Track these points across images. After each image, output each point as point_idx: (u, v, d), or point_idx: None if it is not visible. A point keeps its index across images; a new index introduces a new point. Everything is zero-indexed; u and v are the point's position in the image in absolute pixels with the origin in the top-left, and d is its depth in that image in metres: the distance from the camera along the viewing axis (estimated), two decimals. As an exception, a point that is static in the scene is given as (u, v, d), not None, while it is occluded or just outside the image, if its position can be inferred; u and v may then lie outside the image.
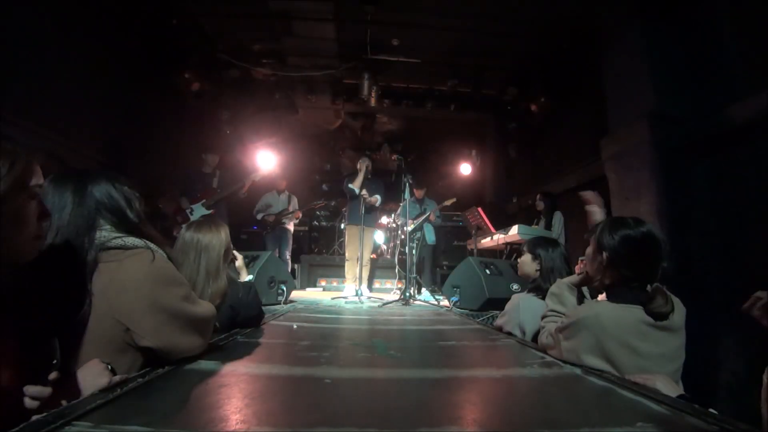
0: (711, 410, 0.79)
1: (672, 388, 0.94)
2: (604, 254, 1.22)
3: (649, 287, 1.17)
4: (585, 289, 1.48)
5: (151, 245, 1.01)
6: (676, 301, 1.17)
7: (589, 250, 1.31)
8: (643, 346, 1.09)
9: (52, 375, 0.70)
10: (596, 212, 1.70)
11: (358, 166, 4.34)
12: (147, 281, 0.95)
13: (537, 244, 1.93)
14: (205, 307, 1.14)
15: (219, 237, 1.62)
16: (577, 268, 1.94)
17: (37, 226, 0.76)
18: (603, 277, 1.26)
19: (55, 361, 0.71)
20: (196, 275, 1.54)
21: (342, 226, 6.10)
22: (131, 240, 0.98)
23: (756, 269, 1.35)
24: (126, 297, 0.91)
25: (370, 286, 4.69)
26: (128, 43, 4.23)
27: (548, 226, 4.16)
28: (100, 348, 0.88)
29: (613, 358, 1.09)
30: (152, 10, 4.26)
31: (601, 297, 1.37)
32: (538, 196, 4.39)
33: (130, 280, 0.93)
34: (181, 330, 1.01)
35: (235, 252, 1.79)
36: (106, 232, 0.96)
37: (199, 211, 4.12)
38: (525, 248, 1.97)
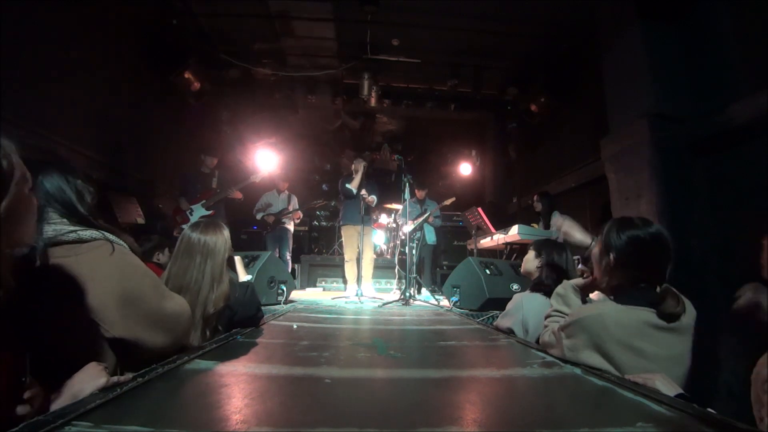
0: (710, 410, 0.79)
1: (670, 387, 0.94)
2: (611, 255, 1.20)
3: (658, 288, 1.15)
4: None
5: (110, 236, 0.99)
6: (687, 303, 1.15)
7: (595, 251, 1.29)
8: (648, 347, 1.07)
9: (27, 393, 0.69)
10: (572, 232, 1.65)
11: (354, 167, 4.34)
12: (110, 273, 0.93)
13: (542, 244, 1.97)
14: (176, 301, 1.12)
15: (223, 239, 1.63)
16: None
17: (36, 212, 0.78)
18: (610, 278, 1.23)
19: (24, 379, 0.70)
20: (201, 279, 1.54)
21: (341, 226, 6.11)
22: (88, 233, 0.95)
23: (756, 269, 1.35)
24: (91, 290, 0.90)
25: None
26: (128, 43, 4.23)
27: (547, 227, 4.15)
28: None
29: (614, 358, 1.08)
30: (152, 10, 4.26)
31: (593, 295, 1.37)
32: (535, 197, 4.38)
33: (93, 272, 0.91)
34: (149, 320, 1.00)
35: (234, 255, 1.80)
36: (56, 225, 0.94)
37: (198, 211, 4.12)
38: (531, 246, 2.01)
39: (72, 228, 0.94)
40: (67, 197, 0.99)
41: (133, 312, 0.96)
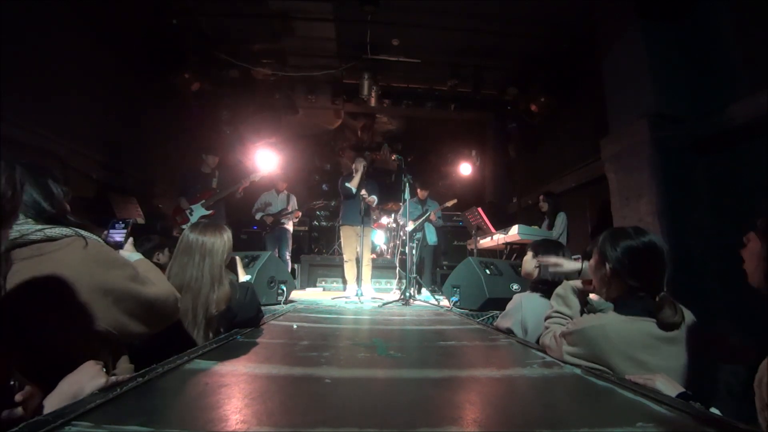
0: (713, 409, 0.78)
1: (672, 387, 0.94)
2: (608, 266, 1.21)
3: (657, 297, 1.15)
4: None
5: (82, 232, 0.97)
6: (687, 312, 1.15)
7: (592, 262, 1.30)
8: (652, 360, 1.07)
9: (18, 396, 0.68)
10: (559, 268, 1.60)
11: (354, 167, 4.34)
12: (87, 267, 0.92)
13: (539, 244, 1.97)
14: (159, 285, 1.11)
15: (222, 240, 1.63)
16: None
17: None
18: (609, 290, 1.24)
19: (13, 382, 0.69)
20: (201, 278, 1.54)
21: (342, 226, 6.11)
22: (57, 230, 0.93)
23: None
24: (69, 287, 0.88)
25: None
26: (128, 43, 4.24)
27: (551, 227, 4.15)
28: None
29: (616, 370, 1.07)
30: (152, 10, 4.26)
31: (593, 295, 1.37)
32: (541, 197, 4.37)
33: (68, 268, 0.89)
34: (134, 309, 0.99)
35: (233, 255, 1.80)
36: (20, 226, 0.90)
37: (198, 211, 4.12)
38: (529, 247, 2.01)
39: (39, 227, 0.92)
40: (32, 198, 0.96)
41: (115, 303, 0.95)
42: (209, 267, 1.57)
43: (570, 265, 1.56)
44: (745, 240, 0.92)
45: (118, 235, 1.25)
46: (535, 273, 1.91)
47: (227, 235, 1.66)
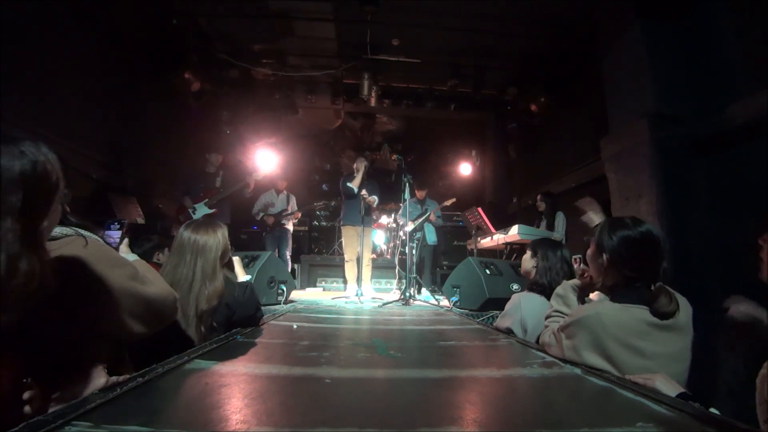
0: (713, 409, 0.79)
1: (672, 387, 0.94)
2: (605, 256, 1.22)
3: (652, 287, 1.16)
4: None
5: (83, 232, 0.97)
6: (682, 300, 1.15)
7: (590, 252, 1.31)
8: (648, 346, 1.08)
9: (26, 395, 0.69)
10: (593, 220, 1.69)
11: (356, 166, 4.35)
12: (87, 266, 0.92)
13: (538, 243, 1.98)
14: (158, 285, 1.10)
15: (216, 238, 1.63)
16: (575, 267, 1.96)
17: None
18: (605, 278, 1.25)
19: (25, 380, 0.70)
20: (191, 276, 1.55)
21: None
22: (58, 229, 0.93)
23: (755, 269, 1.36)
24: (70, 286, 0.87)
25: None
26: (128, 43, 4.23)
27: (550, 227, 4.15)
28: None
29: (614, 357, 1.08)
30: (152, 10, 4.26)
31: (593, 295, 1.37)
32: (538, 197, 4.38)
33: (69, 267, 0.88)
34: (134, 308, 0.98)
35: (233, 255, 1.80)
36: None
37: (201, 210, 4.13)
38: (528, 246, 2.02)
39: None
40: None
41: (116, 302, 0.95)
42: (201, 265, 1.57)
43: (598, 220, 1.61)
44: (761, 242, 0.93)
45: (113, 236, 1.25)
46: (533, 272, 1.92)
47: (222, 233, 1.67)
